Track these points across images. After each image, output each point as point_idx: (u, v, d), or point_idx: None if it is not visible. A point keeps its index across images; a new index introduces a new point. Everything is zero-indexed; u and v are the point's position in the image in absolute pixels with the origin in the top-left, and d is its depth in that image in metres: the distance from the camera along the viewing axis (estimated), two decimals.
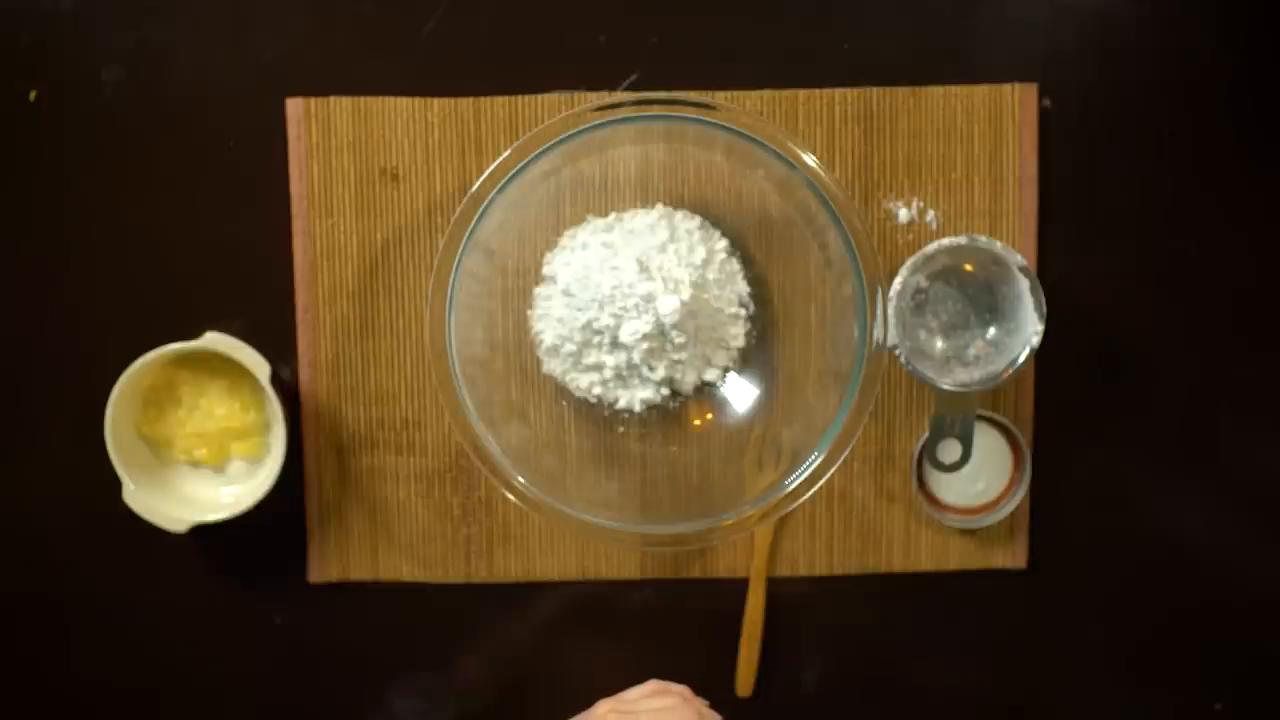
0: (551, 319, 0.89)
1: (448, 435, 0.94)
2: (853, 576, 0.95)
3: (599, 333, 0.87)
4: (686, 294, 0.86)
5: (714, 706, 0.82)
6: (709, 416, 0.92)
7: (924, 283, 0.91)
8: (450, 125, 0.92)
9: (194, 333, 0.90)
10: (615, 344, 0.88)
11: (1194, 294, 0.94)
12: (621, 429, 0.92)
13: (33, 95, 0.92)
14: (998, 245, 0.86)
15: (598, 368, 0.89)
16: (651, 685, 0.82)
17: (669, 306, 0.85)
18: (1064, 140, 0.93)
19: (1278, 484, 0.95)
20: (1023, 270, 0.86)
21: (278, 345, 0.93)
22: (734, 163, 0.89)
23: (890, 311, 0.85)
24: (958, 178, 0.93)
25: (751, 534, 0.94)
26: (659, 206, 0.91)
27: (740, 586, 0.95)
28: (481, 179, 0.83)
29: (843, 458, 0.85)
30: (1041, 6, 0.92)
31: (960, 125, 0.92)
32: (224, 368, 0.91)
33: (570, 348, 0.89)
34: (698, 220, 0.90)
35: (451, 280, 0.84)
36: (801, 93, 0.92)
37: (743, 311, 0.91)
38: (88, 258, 0.93)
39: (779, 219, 0.90)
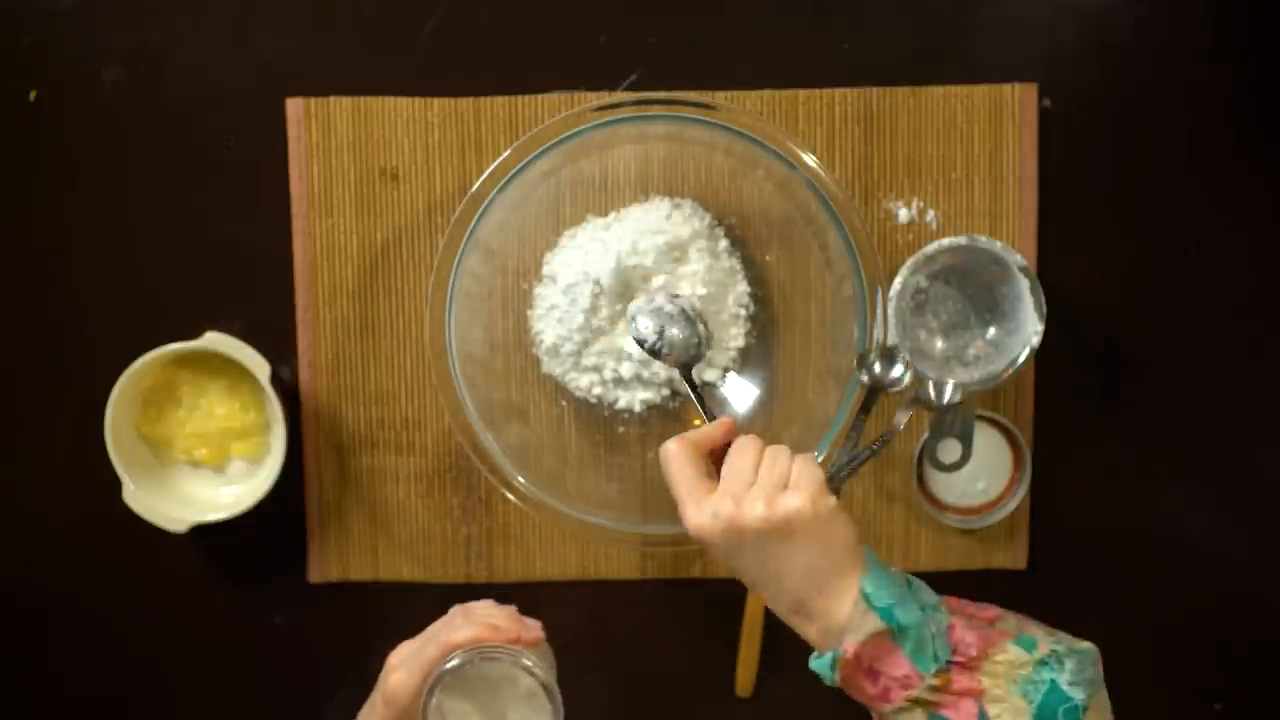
0: (551, 319, 0.89)
1: (448, 435, 0.94)
2: None
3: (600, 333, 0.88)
4: (701, 289, 0.86)
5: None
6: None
7: (924, 283, 0.91)
8: (450, 125, 0.92)
9: (194, 333, 0.90)
10: (617, 347, 0.88)
11: (1194, 294, 0.94)
12: (621, 429, 0.92)
13: (33, 95, 0.92)
14: (998, 245, 0.86)
15: (598, 368, 0.89)
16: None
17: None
18: (1064, 140, 0.93)
19: (1277, 484, 0.95)
20: (1023, 270, 0.86)
21: (278, 345, 0.93)
22: (734, 162, 0.89)
23: (890, 311, 0.85)
24: (958, 178, 0.93)
25: None
26: (656, 200, 0.91)
27: (740, 586, 0.95)
28: (481, 179, 0.84)
29: None
30: (1041, 6, 0.92)
31: (960, 125, 0.92)
32: (224, 368, 0.91)
33: (570, 348, 0.89)
34: (698, 219, 0.90)
35: (451, 280, 0.84)
36: (801, 93, 0.92)
37: (743, 311, 0.91)
38: (88, 258, 0.93)
39: (779, 219, 0.90)
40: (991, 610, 0.74)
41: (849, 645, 0.69)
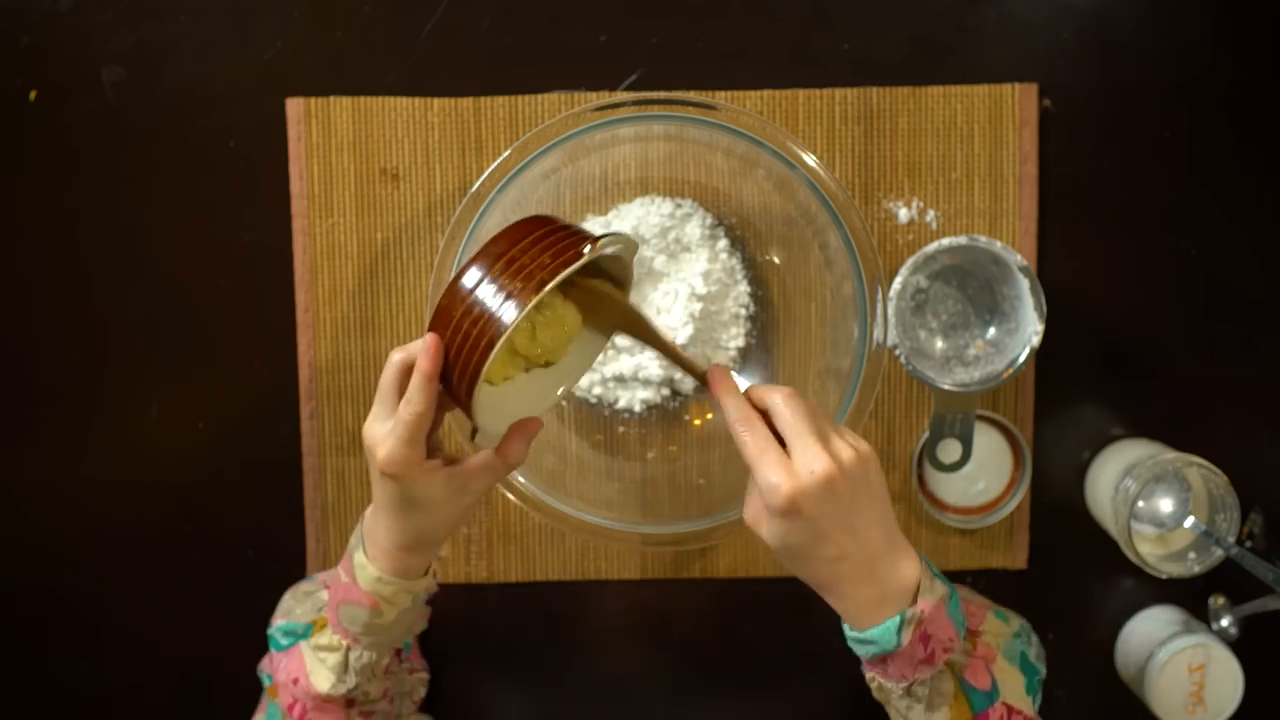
0: None
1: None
2: None
3: None
4: (701, 289, 0.86)
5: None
6: (709, 416, 0.92)
7: (924, 283, 0.91)
8: (450, 125, 0.92)
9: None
10: (615, 345, 0.88)
11: (1194, 294, 0.94)
12: (621, 429, 0.92)
13: (33, 95, 0.92)
14: (998, 245, 0.86)
15: (597, 367, 0.89)
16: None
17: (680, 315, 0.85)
18: (1064, 140, 0.93)
19: (1277, 484, 0.95)
20: (1023, 270, 0.86)
21: (278, 345, 0.93)
22: (734, 162, 0.89)
23: (890, 311, 0.85)
24: (958, 178, 0.93)
25: None
26: (657, 199, 0.91)
27: (741, 586, 0.95)
28: (482, 179, 0.84)
29: None
30: (1041, 6, 0.92)
31: (960, 125, 0.92)
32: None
33: None
34: (698, 219, 0.90)
35: None
36: (801, 93, 0.92)
37: (743, 311, 0.91)
38: (87, 258, 0.93)
39: (779, 219, 0.90)
40: None
41: (925, 606, 0.67)
